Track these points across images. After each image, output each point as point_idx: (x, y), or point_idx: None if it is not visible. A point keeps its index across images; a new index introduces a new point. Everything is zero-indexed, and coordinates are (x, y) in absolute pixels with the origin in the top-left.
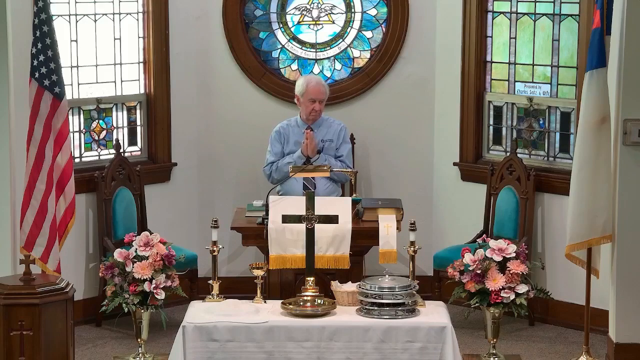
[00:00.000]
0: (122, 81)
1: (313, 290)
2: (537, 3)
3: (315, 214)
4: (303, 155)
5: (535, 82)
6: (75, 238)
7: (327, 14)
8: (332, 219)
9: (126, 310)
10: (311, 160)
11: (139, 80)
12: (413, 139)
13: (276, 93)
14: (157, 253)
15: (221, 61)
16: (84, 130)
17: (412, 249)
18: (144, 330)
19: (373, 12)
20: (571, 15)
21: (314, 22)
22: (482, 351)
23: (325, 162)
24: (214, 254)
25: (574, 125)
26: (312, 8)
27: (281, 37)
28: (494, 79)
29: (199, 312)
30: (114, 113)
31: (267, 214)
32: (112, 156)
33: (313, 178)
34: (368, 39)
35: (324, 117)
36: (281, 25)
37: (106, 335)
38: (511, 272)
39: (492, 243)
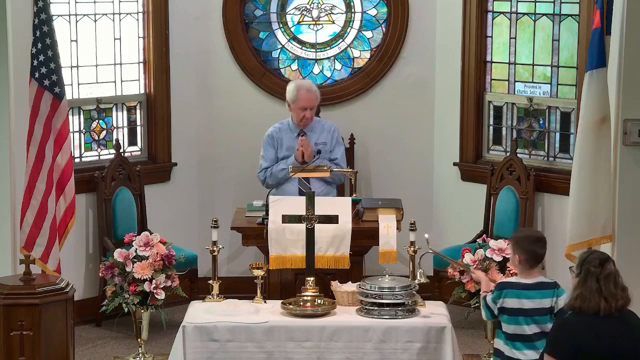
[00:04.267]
0: (122, 81)
1: (313, 290)
2: (537, 3)
3: (315, 214)
4: (297, 162)
5: (535, 82)
6: (75, 238)
7: (327, 14)
8: (332, 219)
9: (126, 310)
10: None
11: (139, 80)
12: (413, 139)
13: (276, 93)
14: (157, 253)
15: (221, 61)
16: (84, 130)
17: (412, 249)
18: (144, 330)
19: (373, 12)
20: (571, 15)
21: (314, 22)
22: (482, 351)
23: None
24: (214, 254)
25: (574, 125)
26: (312, 8)
27: (281, 37)
28: (494, 79)
29: (199, 312)
30: (114, 113)
31: (267, 214)
32: (112, 156)
33: (308, 181)
34: (368, 39)
35: (316, 119)
36: (281, 25)
37: (106, 335)
38: (511, 272)
39: (492, 243)
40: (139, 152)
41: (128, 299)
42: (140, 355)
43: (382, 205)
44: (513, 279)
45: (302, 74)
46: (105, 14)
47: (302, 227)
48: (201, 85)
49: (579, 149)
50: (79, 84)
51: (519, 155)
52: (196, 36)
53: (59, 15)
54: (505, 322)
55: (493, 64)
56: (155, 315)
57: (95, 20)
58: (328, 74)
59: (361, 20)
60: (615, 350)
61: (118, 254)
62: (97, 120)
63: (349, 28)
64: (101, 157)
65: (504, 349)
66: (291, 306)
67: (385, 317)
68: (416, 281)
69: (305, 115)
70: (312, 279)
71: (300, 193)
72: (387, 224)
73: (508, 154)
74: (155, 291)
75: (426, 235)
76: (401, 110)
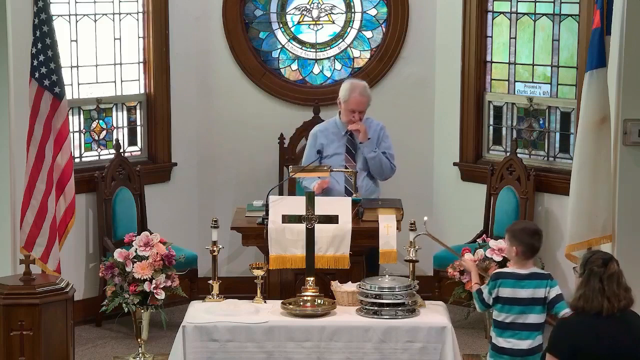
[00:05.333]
0: (122, 81)
1: (313, 290)
2: (537, 3)
3: (315, 214)
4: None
5: (535, 82)
6: (75, 238)
7: (327, 14)
8: (332, 219)
9: (126, 310)
10: (361, 144)
11: (139, 80)
12: (413, 139)
13: (276, 93)
14: (157, 253)
15: (221, 61)
16: (84, 130)
17: (411, 248)
18: (144, 330)
19: (373, 12)
20: (571, 15)
21: (314, 22)
22: (482, 351)
23: (376, 149)
24: (214, 254)
25: (574, 125)
26: (312, 8)
27: (281, 37)
28: (494, 79)
29: (199, 312)
30: (114, 113)
31: (267, 214)
32: (112, 156)
33: (353, 180)
34: (368, 39)
35: (364, 119)
36: (281, 25)
37: (106, 335)
38: None
39: (492, 243)
40: (139, 152)
41: (128, 299)
42: (140, 355)
43: (382, 205)
44: (508, 270)
45: (302, 74)
46: (105, 14)
47: (302, 227)
48: (201, 85)
49: (579, 149)
50: (79, 84)
51: (519, 155)
52: (196, 36)
53: (59, 15)
54: (497, 310)
55: (493, 64)
56: (155, 315)
57: (95, 20)
58: (328, 74)
59: (361, 20)
60: (615, 350)
61: (118, 254)
62: (97, 120)
63: (349, 28)
64: (101, 157)
65: (493, 335)
66: (291, 306)
67: (385, 317)
68: (406, 256)
69: (354, 117)
70: (312, 279)
71: (347, 191)
72: (387, 224)
73: (508, 154)
74: (155, 291)
75: (425, 218)
76: (401, 110)
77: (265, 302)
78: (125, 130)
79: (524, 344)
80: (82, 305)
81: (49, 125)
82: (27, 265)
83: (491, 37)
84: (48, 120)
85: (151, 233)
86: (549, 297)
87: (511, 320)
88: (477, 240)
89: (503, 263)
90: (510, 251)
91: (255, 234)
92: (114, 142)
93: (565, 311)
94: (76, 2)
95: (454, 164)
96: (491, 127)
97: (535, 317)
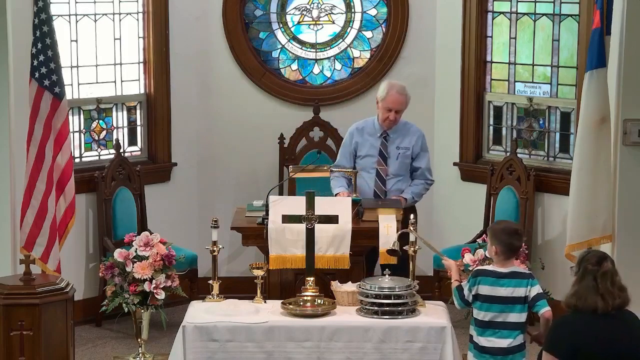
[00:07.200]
0: (122, 81)
1: (313, 290)
2: (537, 3)
3: (315, 214)
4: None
5: (535, 82)
6: (75, 238)
7: (327, 14)
8: (332, 219)
9: (126, 310)
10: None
11: (139, 80)
12: None
13: (276, 93)
14: (157, 253)
15: (221, 61)
16: (84, 130)
17: (412, 249)
18: (144, 330)
19: (373, 12)
20: (571, 15)
21: (314, 22)
22: None
23: (413, 198)
24: (214, 254)
25: (574, 125)
26: (312, 8)
27: (281, 37)
28: (494, 79)
29: (199, 312)
30: (114, 113)
31: (267, 214)
32: (112, 156)
33: (384, 184)
34: (368, 39)
35: (402, 122)
36: (281, 25)
37: (106, 335)
38: None
39: None
40: (139, 152)
41: (128, 299)
42: (140, 355)
43: (382, 205)
44: (489, 267)
45: (302, 74)
46: (105, 14)
47: (302, 227)
48: (201, 85)
49: (579, 149)
50: (79, 84)
51: (519, 155)
52: (196, 36)
53: (59, 15)
54: (477, 308)
55: (493, 64)
56: (155, 315)
57: (95, 20)
58: (328, 74)
59: (361, 20)
60: (615, 349)
61: (118, 254)
62: (97, 120)
63: (349, 28)
64: (101, 157)
65: (473, 334)
66: (291, 306)
67: (385, 317)
68: (389, 245)
69: (389, 117)
70: (312, 279)
71: (375, 195)
72: (387, 224)
73: (508, 154)
74: (155, 291)
75: (412, 216)
76: None
77: (265, 302)
78: (125, 130)
79: (504, 343)
80: (82, 305)
81: (49, 125)
82: (27, 265)
83: (491, 37)
84: (48, 120)
85: (151, 233)
86: (530, 296)
87: (490, 319)
88: (477, 240)
89: None
90: (490, 250)
91: (255, 234)
92: (114, 142)
93: (546, 309)
94: (76, 2)
95: (454, 164)
96: (491, 127)
97: (515, 316)
